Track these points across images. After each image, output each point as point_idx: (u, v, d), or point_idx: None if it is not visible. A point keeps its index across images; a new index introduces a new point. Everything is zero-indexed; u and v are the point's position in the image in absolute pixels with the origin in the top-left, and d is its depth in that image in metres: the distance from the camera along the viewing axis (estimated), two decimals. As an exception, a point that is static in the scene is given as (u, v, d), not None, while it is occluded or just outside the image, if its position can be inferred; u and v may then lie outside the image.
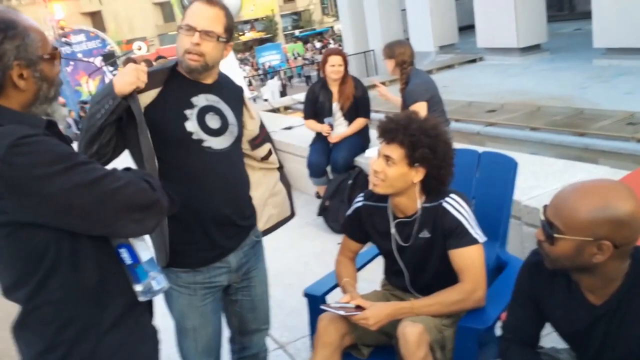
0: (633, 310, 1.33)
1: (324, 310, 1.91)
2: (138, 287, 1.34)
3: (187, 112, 1.77)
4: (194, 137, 1.76)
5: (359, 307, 1.83)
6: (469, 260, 1.85)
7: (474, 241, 1.86)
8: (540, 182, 3.03)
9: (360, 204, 2.10)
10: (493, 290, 1.98)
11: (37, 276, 1.14)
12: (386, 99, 4.20)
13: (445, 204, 1.89)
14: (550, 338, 2.27)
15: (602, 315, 1.37)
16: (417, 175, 1.87)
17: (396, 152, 1.84)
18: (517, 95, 8.15)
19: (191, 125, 1.76)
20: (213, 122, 1.81)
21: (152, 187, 1.24)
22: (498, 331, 1.83)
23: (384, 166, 1.86)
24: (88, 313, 1.20)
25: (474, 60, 12.05)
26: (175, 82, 1.79)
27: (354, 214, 2.12)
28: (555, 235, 1.29)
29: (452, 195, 1.92)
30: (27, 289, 1.15)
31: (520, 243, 2.87)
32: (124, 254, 1.32)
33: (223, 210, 1.81)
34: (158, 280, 1.38)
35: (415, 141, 1.82)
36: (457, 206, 1.89)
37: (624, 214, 1.23)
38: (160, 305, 1.64)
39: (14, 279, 1.16)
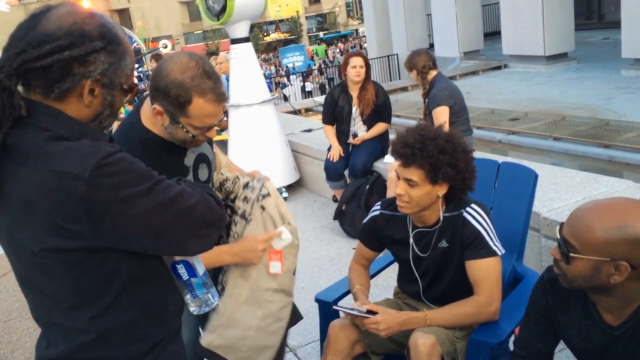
0: None
1: (335, 317, 1.90)
2: (195, 301, 1.33)
3: (189, 179, 1.67)
4: None
5: (370, 312, 1.82)
6: (485, 272, 1.82)
7: (492, 253, 1.83)
8: (561, 194, 2.98)
9: (377, 212, 2.08)
10: (507, 303, 1.94)
11: (105, 299, 1.09)
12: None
13: (465, 214, 1.87)
14: (565, 353, 2.23)
15: (618, 337, 1.34)
16: (442, 189, 1.85)
17: (416, 174, 1.80)
18: (541, 104, 8.03)
19: None
20: (203, 173, 1.73)
21: (217, 202, 1.21)
22: (511, 345, 1.80)
23: (407, 189, 1.82)
24: (156, 330, 1.18)
25: (498, 67, 11.92)
26: (161, 152, 1.59)
27: (370, 222, 2.09)
28: (572, 254, 1.26)
29: (472, 205, 1.89)
30: (91, 312, 1.09)
31: (539, 256, 2.82)
32: (181, 270, 1.29)
33: None
34: (212, 293, 1.37)
35: (434, 162, 1.78)
36: (477, 217, 1.86)
37: None
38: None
39: (75, 301, 1.09)
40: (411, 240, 1.97)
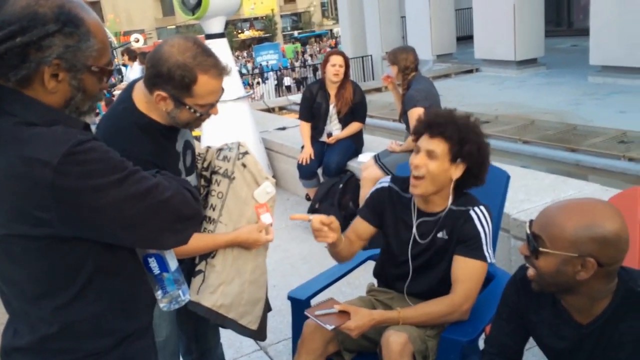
0: (619, 332, 1.32)
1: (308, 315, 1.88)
2: (165, 297, 1.31)
3: (180, 165, 1.68)
4: None
5: (342, 312, 1.80)
6: (469, 273, 1.83)
7: (482, 257, 1.83)
8: (531, 196, 3.04)
9: (385, 184, 2.05)
10: (478, 302, 1.96)
11: (71, 289, 1.07)
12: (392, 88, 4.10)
13: (472, 212, 1.87)
14: (532, 352, 2.27)
15: (588, 335, 1.37)
16: (457, 171, 1.84)
17: (440, 146, 1.80)
18: (511, 107, 8.16)
19: (183, 177, 1.68)
20: (188, 159, 1.73)
21: (194, 197, 1.20)
22: (481, 343, 1.82)
23: (426, 161, 1.82)
24: (124, 324, 1.16)
25: (470, 71, 12.06)
26: (159, 137, 1.59)
27: (376, 192, 2.05)
28: (541, 249, 1.29)
29: (481, 207, 1.89)
30: (56, 302, 1.07)
31: (508, 256, 2.87)
32: (153, 263, 1.28)
33: None
34: (183, 290, 1.35)
35: (463, 137, 1.80)
36: (482, 218, 1.87)
37: (609, 233, 1.23)
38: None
39: (41, 290, 1.07)
40: (414, 225, 1.95)
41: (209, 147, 1.87)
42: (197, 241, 1.69)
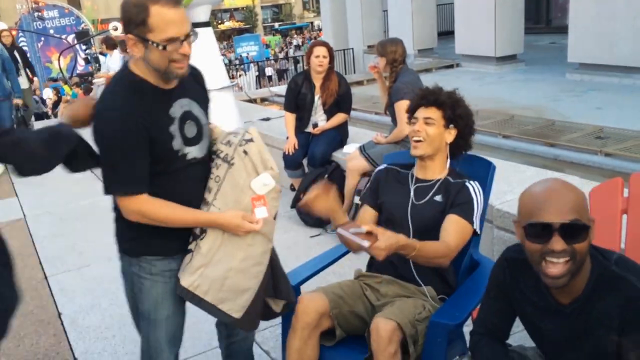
0: (598, 310, 1.37)
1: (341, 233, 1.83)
2: None
3: (172, 128, 1.68)
4: (180, 153, 1.71)
5: (369, 233, 1.71)
6: (461, 230, 1.98)
7: (471, 221, 2.01)
8: (513, 187, 3.10)
9: (382, 167, 2.28)
10: (465, 288, 2.02)
11: None
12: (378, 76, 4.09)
13: (467, 184, 2.08)
14: (514, 338, 2.33)
15: (569, 315, 1.42)
16: (450, 136, 2.12)
17: (435, 113, 2.09)
18: (491, 103, 8.26)
19: (177, 143, 1.69)
20: (190, 130, 1.74)
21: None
22: (465, 330, 1.87)
23: (425, 127, 2.08)
24: None
25: (451, 66, 12.17)
26: (146, 97, 1.65)
27: (375, 175, 2.27)
28: (590, 226, 1.32)
29: (476, 182, 2.10)
30: None
31: (491, 246, 2.93)
32: None
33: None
34: None
35: (454, 102, 2.11)
36: (476, 191, 2.07)
37: None
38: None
39: None
40: (412, 190, 2.13)
41: (224, 131, 1.89)
42: (177, 210, 1.71)
